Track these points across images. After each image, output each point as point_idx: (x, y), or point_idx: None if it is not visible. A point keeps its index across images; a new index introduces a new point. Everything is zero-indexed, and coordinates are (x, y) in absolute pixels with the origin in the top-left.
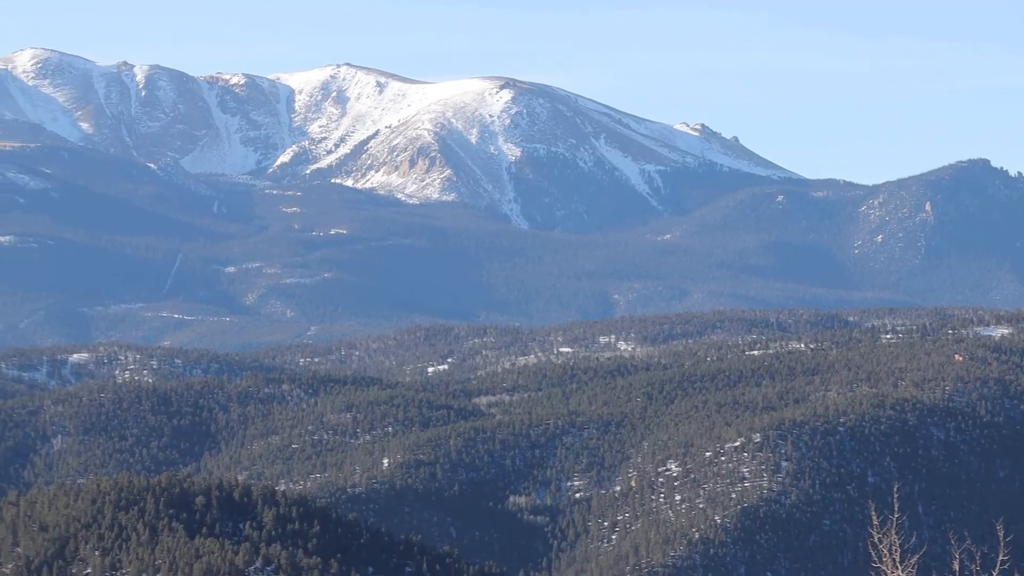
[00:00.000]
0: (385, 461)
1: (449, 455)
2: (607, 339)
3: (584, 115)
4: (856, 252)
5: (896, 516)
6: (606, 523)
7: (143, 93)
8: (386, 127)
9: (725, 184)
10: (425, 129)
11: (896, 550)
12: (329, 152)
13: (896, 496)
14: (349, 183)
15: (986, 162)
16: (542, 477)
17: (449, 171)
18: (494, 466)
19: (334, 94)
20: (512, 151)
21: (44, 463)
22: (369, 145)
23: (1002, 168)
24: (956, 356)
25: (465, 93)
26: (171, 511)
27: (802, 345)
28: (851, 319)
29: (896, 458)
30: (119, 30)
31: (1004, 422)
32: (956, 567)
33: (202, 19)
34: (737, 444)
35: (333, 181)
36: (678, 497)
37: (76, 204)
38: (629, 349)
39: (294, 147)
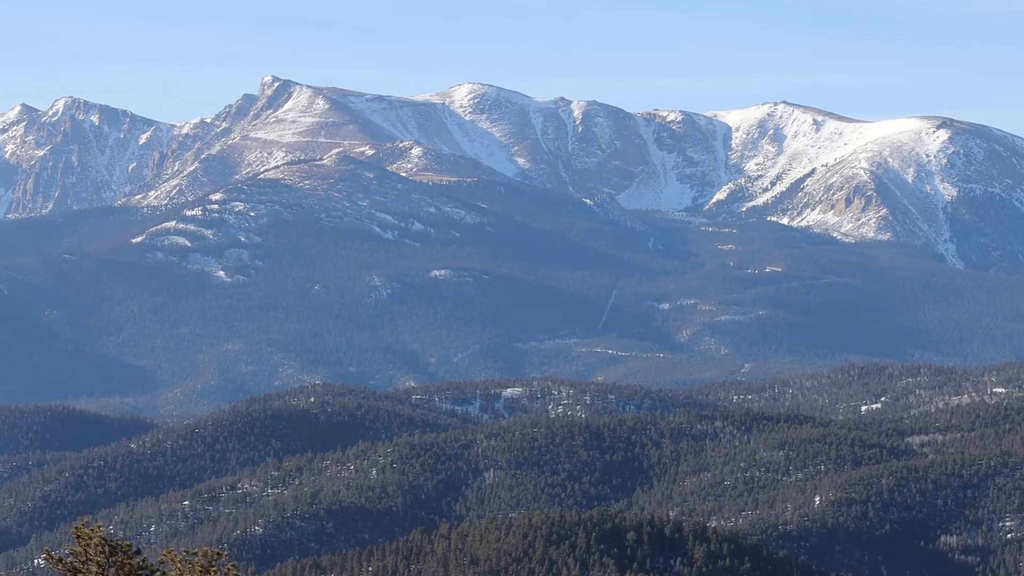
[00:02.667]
0: (817, 499)
1: (881, 494)
2: None
3: (1021, 155)
4: None
5: None
6: None
7: (580, 129)
8: (822, 165)
9: None
10: (861, 168)
11: None
12: (765, 190)
13: None
14: (784, 221)
15: None
16: (974, 517)
17: (885, 210)
18: (926, 505)
19: (771, 132)
20: (948, 191)
21: (476, 497)
22: (805, 183)
23: None
24: None
25: (902, 132)
26: (602, 546)
27: None
28: None
29: None
30: (556, 66)
31: None
32: None
33: (639, 56)
34: None
35: (768, 219)
36: None
37: (512, 239)
38: None
39: (730, 184)
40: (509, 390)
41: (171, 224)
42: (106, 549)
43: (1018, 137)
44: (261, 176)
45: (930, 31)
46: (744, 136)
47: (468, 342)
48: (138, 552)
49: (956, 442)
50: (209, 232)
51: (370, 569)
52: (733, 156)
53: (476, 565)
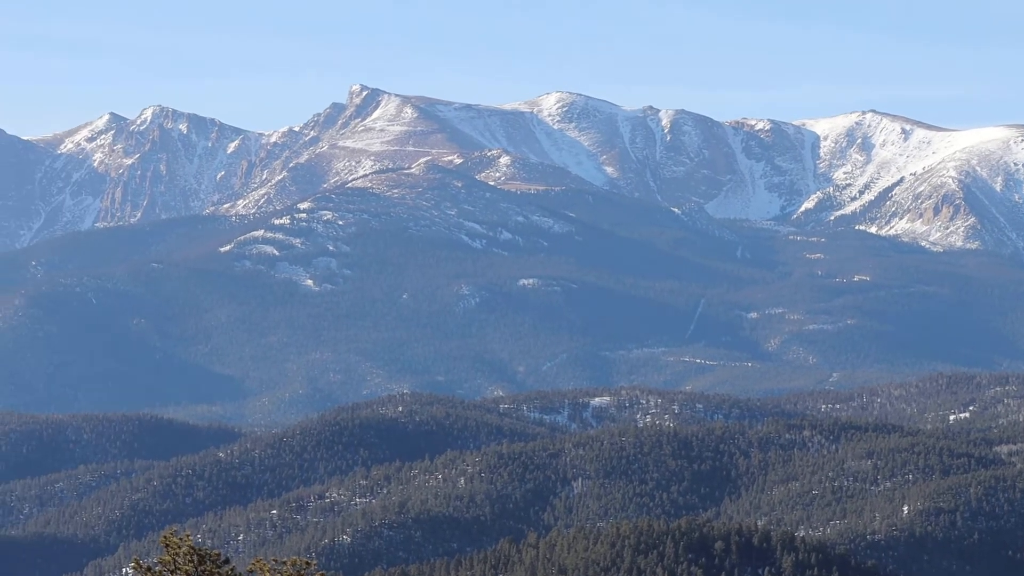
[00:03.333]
0: (905, 508)
1: (969, 503)
2: None
3: None
4: None
5: None
6: None
7: (668, 138)
8: (911, 174)
9: None
10: (949, 177)
11: None
12: (853, 199)
13: None
14: (872, 229)
15: None
16: None
17: (973, 219)
18: (1014, 515)
19: (859, 141)
20: None
21: (564, 506)
22: (893, 192)
23: None
24: None
25: (990, 141)
26: (690, 555)
27: None
28: None
29: None
30: (644, 75)
31: None
32: None
33: (728, 64)
34: None
35: (857, 228)
36: None
37: (599, 247)
38: None
39: (818, 193)
40: (597, 399)
41: (259, 233)
42: (195, 558)
43: None
44: (349, 185)
45: (1019, 39)
46: (832, 145)
47: (556, 351)
48: (227, 561)
49: None
50: (297, 241)
51: None
52: (821, 165)
53: (564, 574)
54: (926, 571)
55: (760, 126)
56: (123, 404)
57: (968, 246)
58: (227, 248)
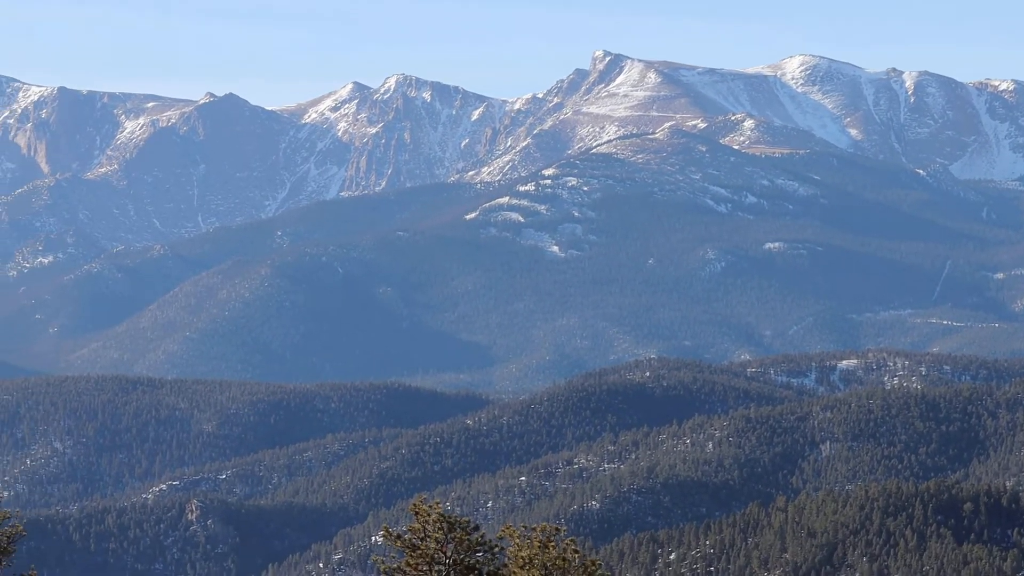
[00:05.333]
0: None
1: None
2: None
3: None
4: None
5: None
6: None
7: (912, 100)
8: None
9: None
10: None
11: None
12: None
13: None
14: None
15: None
16: None
17: None
18: None
19: None
20: None
21: (812, 469)
22: None
23: None
24: None
25: None
26: (939, 517)
27: None
28: None
29: None
30: (887, 37)
31: None
32: None
33: (970, 24)
34: None
35: None
36: None
37: (844, 210)
38: None
39: None
40: (844, 362)
41: (504, 200)
42: (444, 525)
43: None
44: (594, 151)
45: None
46: None
47: (802, 314)
48: (476, 528)
49: None
50: (542, 207)
51: (707, 542)
52: None
53: (813, 538)
54: None
55: (1004, 86)
56: (370, 373)
57: None
58: (472, 215)
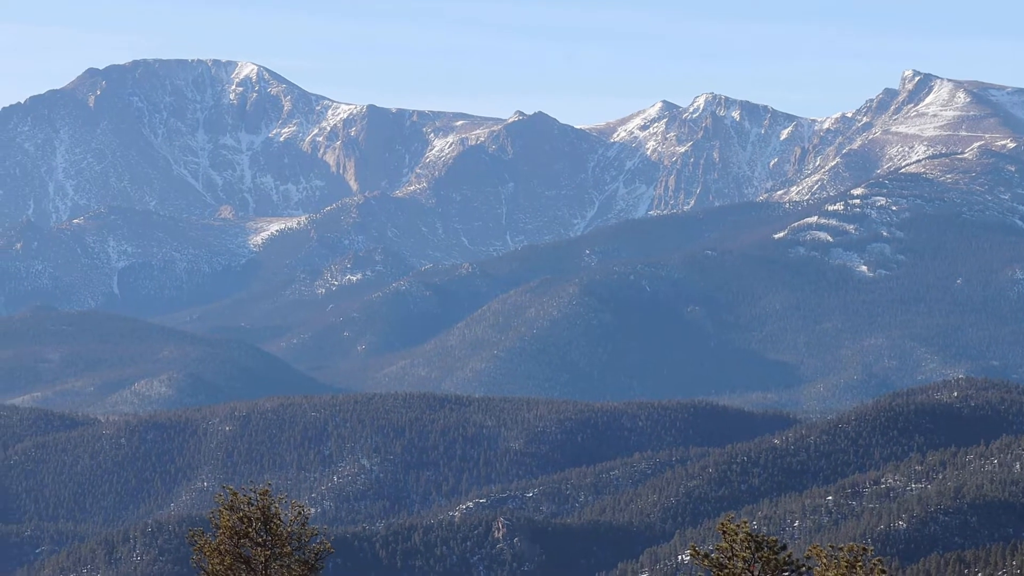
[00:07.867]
0: None
1: None
2: None
3: None
4: None
5: None
6: None
7: None
8: None
9: None
10: None
11: None
12: None
13: None
14: None
15: None
16: None
17: None
18: None
19: None
20: None
21: None
22: None
23: None
24: None
25: None
26: None
27: None
28: None
29: None
30: None
31: None
32: None
33: None
34: None
35: None
36: None
37: None
38: None
39: None
40: None
41: (812, 219)
42: (752, 545)
43: None
44: (902, 170)
45: None
46: None
47: None
48: (783, 548)
49: None
50: (851, 227)
51: (1014, 563)
52: None
53: None
54: None
55: None
56: (677, 391)
57: None
58: (781, 235)
